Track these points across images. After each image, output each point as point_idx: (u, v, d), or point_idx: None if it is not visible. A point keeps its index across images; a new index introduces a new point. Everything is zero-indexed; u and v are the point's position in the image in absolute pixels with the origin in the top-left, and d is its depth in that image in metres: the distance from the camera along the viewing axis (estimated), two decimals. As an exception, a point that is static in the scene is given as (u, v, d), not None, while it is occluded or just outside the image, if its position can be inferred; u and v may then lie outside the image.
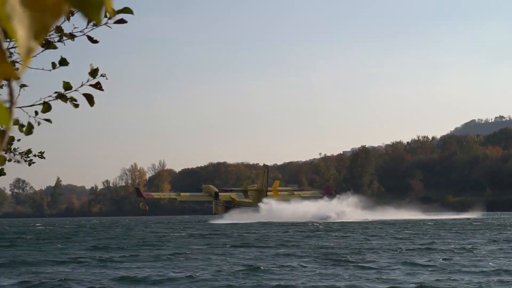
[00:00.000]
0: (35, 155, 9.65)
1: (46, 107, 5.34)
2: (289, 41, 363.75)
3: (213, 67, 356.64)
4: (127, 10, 5.01)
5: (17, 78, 0.99)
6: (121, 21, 5.09)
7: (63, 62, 5.47)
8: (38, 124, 5.79)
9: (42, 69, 5.74)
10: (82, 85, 5.18)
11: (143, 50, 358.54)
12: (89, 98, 5.08)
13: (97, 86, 5.20)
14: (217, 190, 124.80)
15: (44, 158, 9.60)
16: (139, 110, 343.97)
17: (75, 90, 5.19)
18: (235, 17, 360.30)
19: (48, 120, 5.58)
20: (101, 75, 5.22)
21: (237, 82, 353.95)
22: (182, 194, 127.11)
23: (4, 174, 10.40)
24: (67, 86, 5.20)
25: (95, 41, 5.35)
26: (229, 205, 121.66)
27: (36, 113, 5.57)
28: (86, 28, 5.27)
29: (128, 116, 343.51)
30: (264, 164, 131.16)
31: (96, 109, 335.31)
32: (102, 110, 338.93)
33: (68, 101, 5.27)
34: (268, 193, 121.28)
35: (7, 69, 0.96)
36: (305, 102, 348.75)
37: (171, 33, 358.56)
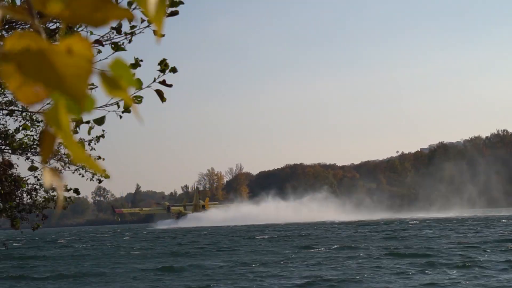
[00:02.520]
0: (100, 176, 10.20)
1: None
2: (362, 39, 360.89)
3: (285, 67, 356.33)
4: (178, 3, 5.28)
5: (132, 18, 1.06)
6: (174, 13, 5.32)
7: (136, 65, 5.72)
8: (120, 118, 6.12)
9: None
10: (154, 81, 5.42)
11: (213, 54, 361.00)
12: (160, 94, 5.35)
13: (164, 83, 5.44)
14: (169, 205, 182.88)
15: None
16: (213, 115, 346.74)
17: (147, 87, 5.43)
18: (306, 14, 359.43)
19: (127, 111, 5.84)
20: (170, 70, 5.44)
21: (311, 81, 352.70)
22: (144, 208, 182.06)
23: (79, 193, 10.93)
24: (138, 85, 5.43)
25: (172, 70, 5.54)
26: (179, 215, 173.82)
27: (118, 106, 5.84)
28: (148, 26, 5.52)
29: (203, 121, 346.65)
30: (196, 187, 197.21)
31: (172, 115, 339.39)
32: (178, 116, 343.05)
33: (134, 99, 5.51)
34: (204, 206, 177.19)
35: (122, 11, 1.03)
36: (381, 100, 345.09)
37: (239, 35, 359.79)
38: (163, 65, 5.46)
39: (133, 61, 5.76)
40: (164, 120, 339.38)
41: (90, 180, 10.58)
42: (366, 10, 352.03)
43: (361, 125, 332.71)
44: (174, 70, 5.50)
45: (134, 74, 5.79)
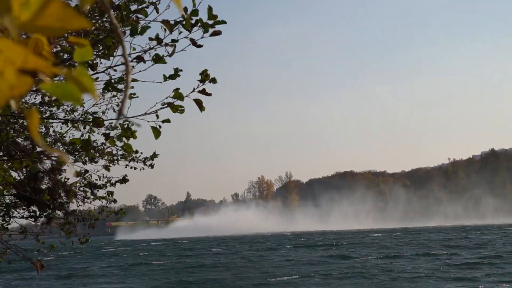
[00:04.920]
0: (152, 158, 10.25)
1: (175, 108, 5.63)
2: (414, 44, 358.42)
3: (337, 74, 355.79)
4: (221, 22, 5.27)
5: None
6: (216, 33, 5.33)
7: (175, 75, 5.73)
8: (160, 127, 6.11)
9: (153, 81, 6.05)
10: (193, 91, 5.42)
11: (263, 62, 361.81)
12: (199, 104, 5.34)
13: (204, 92, 5.43)
14: (148, 219, 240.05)
15: (158, 155, 10.17)
16: (263, 123, 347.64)
17: (186, 96, 5.43)
18: (358, 22, 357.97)
19: (167, 120, 5.85)
20: (210, 80, 5.45)
21: (361, 89, 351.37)
22: (129, 222, 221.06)
23: (127, 180, 10.97)
24: (179, 96, 5.46)
25: (199, 46, 5.58)
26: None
27: (157, 116, 5.87)
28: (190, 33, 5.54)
29: (253, 129, 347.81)
30: (167, 208, 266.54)
31: (222, 124, 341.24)
32: (228, 124, 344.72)
33: (177, 111, 5.53)
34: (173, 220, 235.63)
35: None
36: (432, 106, 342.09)
37: (289, 42, 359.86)
38: (204, 76, 5.47)
39: (172, 73, 5.78)
40: (214, 128, 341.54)
41: (141, 170, 10.56)
42: (423, 16, 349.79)
43: (412, 132, 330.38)
44: (214, 80, 5.52)
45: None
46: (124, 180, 10.68)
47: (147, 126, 5.90)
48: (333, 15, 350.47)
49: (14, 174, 9.84)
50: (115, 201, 11.58)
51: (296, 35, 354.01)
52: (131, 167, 10.29)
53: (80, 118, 10.80)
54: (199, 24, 5.46)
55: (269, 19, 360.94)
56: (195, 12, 5.46)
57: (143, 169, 10.28)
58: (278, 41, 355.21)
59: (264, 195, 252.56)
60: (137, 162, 10.22)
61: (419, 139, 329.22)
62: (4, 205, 11.44)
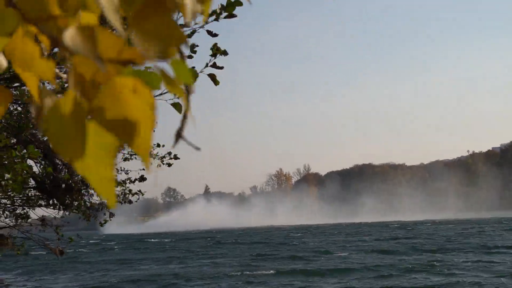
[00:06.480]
0: (171, 158, 10.30)
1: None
2: (431, 40, 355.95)
3: (356, 69, 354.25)
4: (238, 4, 5.35)
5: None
6: (232, 16, 5.40)
7: (191, 50, 5.80)
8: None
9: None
10: (206, 66, 5.50)
11: (278, 54, 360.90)
12: (213, 78, 5.45)
13: (215, 65, 5.51)
14: (135, 215, 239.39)
15: (179, 158, 10.22)
16: (282, 115, 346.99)
17: (200, 72, 5.53)
18: (379, 18, 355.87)
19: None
20: (221, 53, 5.51)
21: (380, 82, 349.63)
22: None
23: (145, 179, 11.14)
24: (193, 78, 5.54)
25: (215, 35, 5.66)
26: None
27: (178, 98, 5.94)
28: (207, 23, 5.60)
29: (271, 121, 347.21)
30: (152, 205, 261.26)
31: (240, 117, 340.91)
32: (246, 117, 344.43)
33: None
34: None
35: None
36: (451, 99, 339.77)
37: (309, 37, 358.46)
38: (215, 49, 5.53)
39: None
40: (233, 121, 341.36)
41: (158, 166, 10.56)
42: (441, 11, 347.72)
43: (431, 125, 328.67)
44: (225, 53, 5.59)
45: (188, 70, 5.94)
46: (142, 179, 10.78)
47: (164, 114, 6.03)
48: (352, 12, 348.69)
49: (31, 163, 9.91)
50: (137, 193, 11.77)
51: (297, 34, 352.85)
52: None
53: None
54: (219, 7, 5.47)
55: (290, 10, 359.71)
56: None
57: (160, 166, 10.32)
58: (289, 37, 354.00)
59: (283, 188, 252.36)
60: (154, 159, 10.24)
61: (438, 132, 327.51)
62: (25, 197, 11.64)
